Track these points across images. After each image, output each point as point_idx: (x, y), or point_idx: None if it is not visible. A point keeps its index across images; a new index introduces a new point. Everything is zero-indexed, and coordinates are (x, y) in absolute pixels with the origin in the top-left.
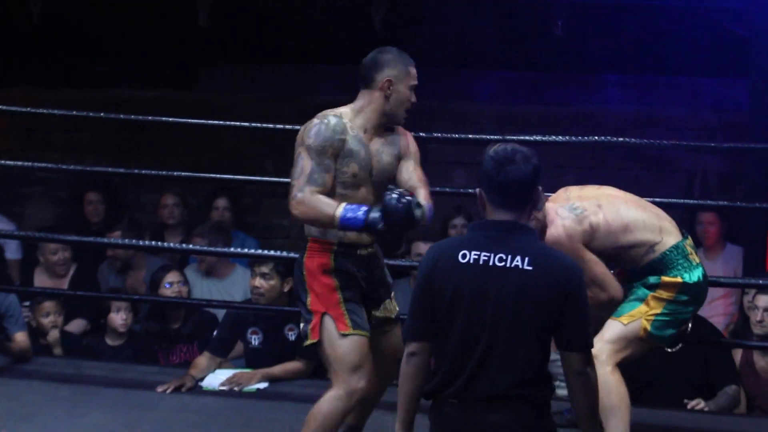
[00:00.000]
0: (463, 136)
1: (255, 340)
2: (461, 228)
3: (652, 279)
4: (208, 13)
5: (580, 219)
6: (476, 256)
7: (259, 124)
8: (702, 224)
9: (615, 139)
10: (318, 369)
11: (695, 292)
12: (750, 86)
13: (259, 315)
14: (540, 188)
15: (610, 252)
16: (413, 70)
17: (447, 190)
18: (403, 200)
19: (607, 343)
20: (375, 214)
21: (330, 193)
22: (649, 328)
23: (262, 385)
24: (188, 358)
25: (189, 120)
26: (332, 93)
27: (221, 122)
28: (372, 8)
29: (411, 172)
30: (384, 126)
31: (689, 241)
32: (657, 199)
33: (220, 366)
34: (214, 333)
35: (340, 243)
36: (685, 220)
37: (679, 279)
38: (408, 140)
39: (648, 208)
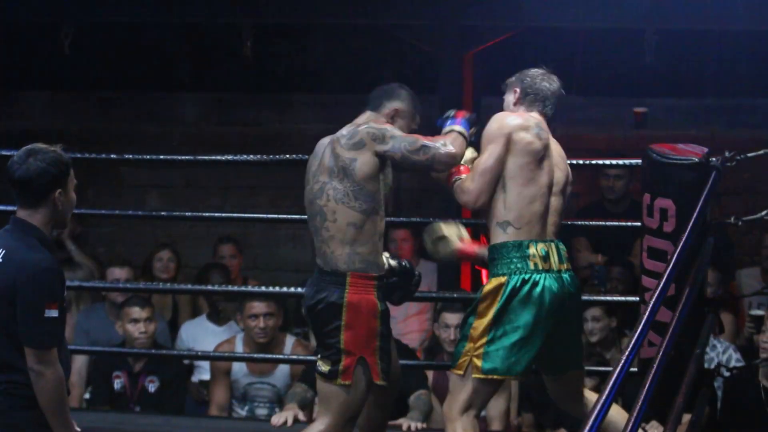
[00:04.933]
0: (155, 157)
1: None
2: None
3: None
4: None
5: (529, 130)
6: None
7: None
8: (395, 241)
9: (306, 157)
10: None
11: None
12: (440, 103)
13: None
14: (61, 190)
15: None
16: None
17: (140, 213)
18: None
19: (452, 398)
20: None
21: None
22: (480, 364)
23: None
24: None
25: None
26: (31, 118)
27: None
28: (61, 33)
29: None
30: None
31: (550, 248)
32: None
33: None
34: None
35: (379, 276)
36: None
37: (502, 279)
38: None
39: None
